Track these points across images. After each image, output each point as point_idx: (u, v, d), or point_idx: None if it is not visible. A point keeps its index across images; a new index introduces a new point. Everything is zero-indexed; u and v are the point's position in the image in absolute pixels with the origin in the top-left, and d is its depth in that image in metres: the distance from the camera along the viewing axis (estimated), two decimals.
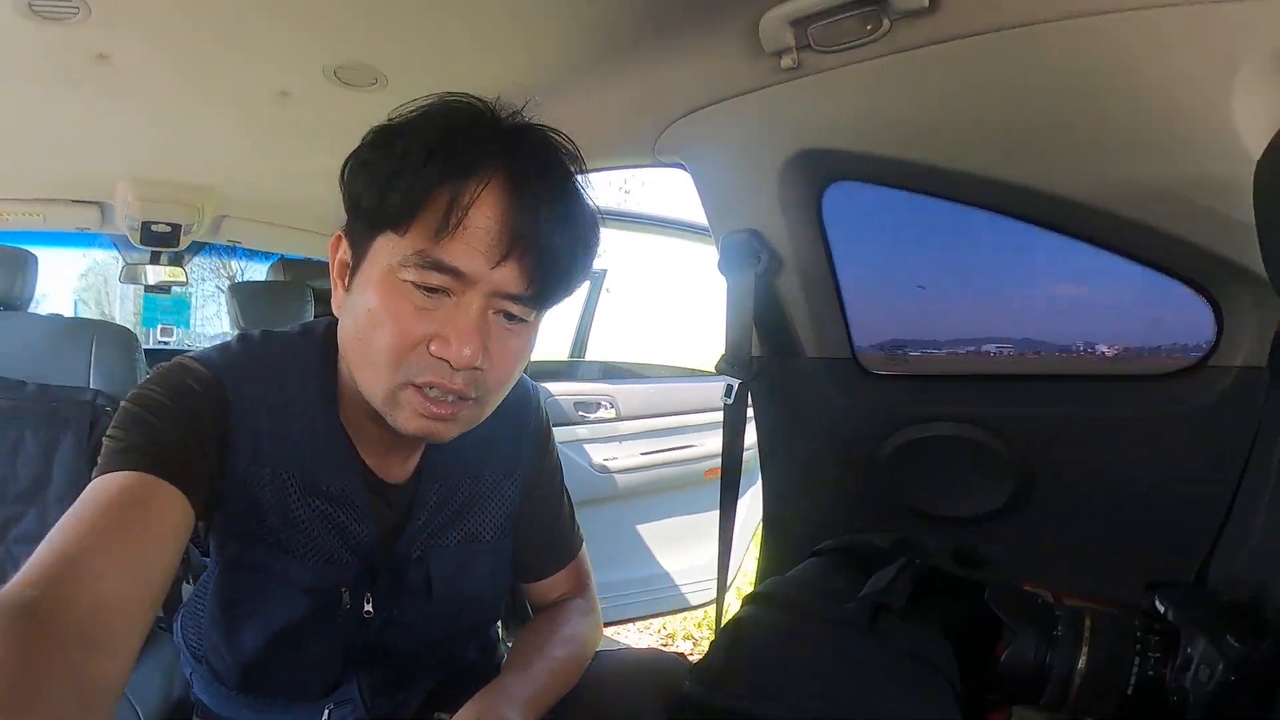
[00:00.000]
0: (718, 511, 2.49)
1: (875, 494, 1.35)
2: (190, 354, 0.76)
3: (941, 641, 0.84)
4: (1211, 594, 0.82)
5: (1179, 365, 1.11)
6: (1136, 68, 0.88)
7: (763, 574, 1.50)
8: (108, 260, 4.96)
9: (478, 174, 0.65)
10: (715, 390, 2.55)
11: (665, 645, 2.78)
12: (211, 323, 6.70)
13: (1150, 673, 0.75)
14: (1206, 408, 1.06)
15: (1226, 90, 0.84)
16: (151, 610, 0.59)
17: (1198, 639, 0.72)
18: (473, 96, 0.70)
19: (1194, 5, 0.81)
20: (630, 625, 2.73)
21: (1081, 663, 0.77)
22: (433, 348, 0.67)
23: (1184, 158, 0.94)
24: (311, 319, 2.19)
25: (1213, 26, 0.81)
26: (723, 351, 1.34)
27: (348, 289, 0.73)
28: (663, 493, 2.40)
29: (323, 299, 2.46)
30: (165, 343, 5.04)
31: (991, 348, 1.30)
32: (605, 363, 2.89)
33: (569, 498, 0.99)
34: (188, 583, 1.09)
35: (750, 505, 2.61)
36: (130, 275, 2.68)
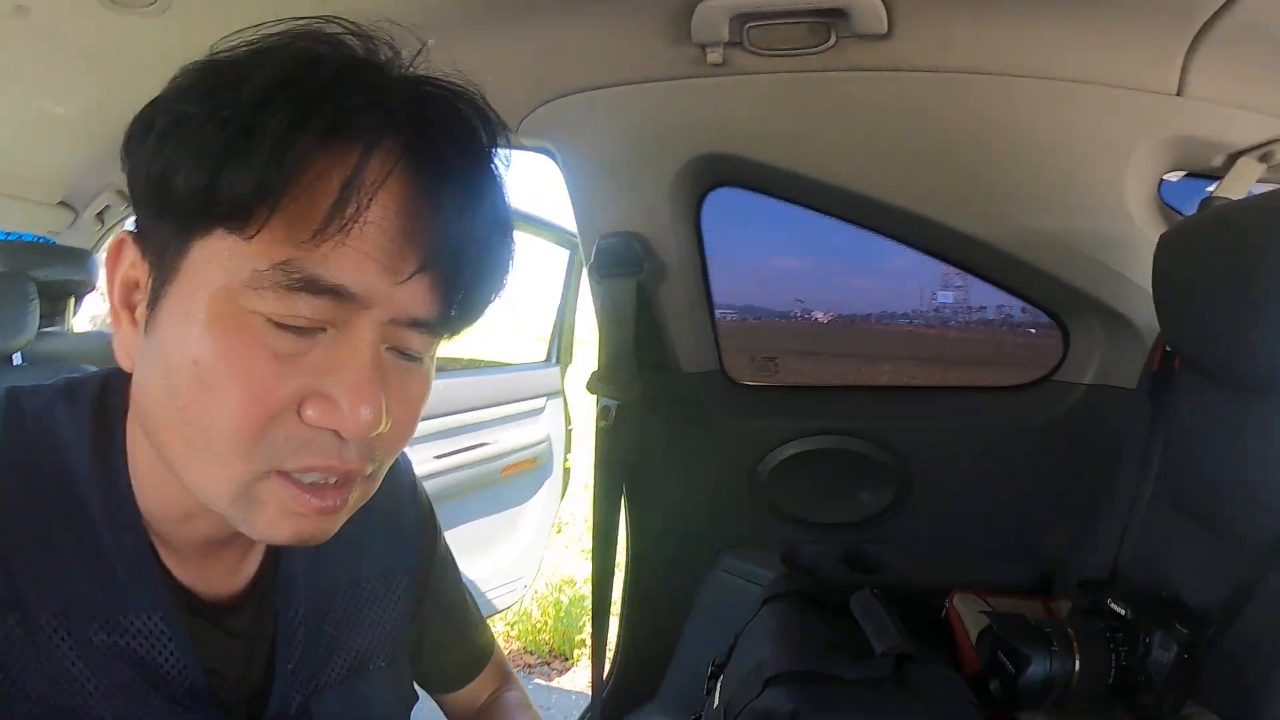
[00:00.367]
0: (519, 510, 2.31)
1: (756, 506, 1.35)
2: None
3: (952, 676, 0.89)
4: (1153, 591, 0.92)
5: (1031, 379, 1.33)
6: (1050, 128, 1.03)
7: (629, 585, 1.43)
8: None
9: (380, 147, 0.43)
10: (508, 382, 2.38)
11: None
12: None
13: (1124, 663, 0.85)
14: (1053, 417, 1.26)
15: (1123, 162, 1.02)
16: None
17: (1154, 631, 0.84)
18: (344, 24, 0.46)
19: (1109, 87, 0.97)
20: None
21: (1077, 666, 0.85)
22: (309, 414, 0.44)
23: (1071, 211, 1.11)
24: (35, 331, 1.58)
25: (1119, 108, 0.98)
26: (596, 369, 1.23)
27: (145, 327, 0.46)
28: (459, 496, 2.22)
29: (51, 296, 1.83)
30: None
31: (865, 361, 1.39)
32: None
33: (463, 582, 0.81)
34: None
35: (545, 502, 2.53)
36: None
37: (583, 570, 3.08)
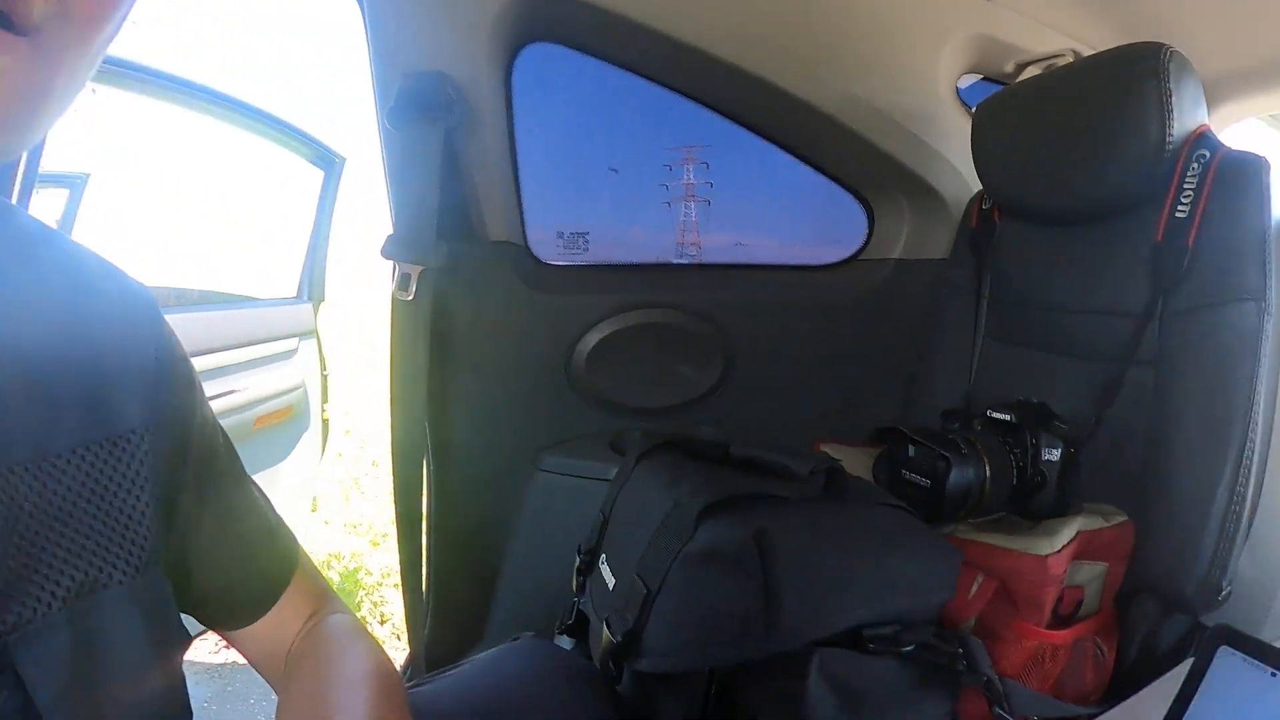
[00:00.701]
0: (275, 470, 1.97)
1: (575, 396, 1.25)
2: None
3: (877, 488, 0.86)
4: (1026, 401, 0.97)
5: (841, 257, 1.39)
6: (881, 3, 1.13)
7: (437, 505, 1.25)
8: None
9: None
10: (253, 319, 1.98)
11: None
12: None
13: (1021, 464, 0.88)
14: (868, 290, 1.35)
15: (940, 46, 1.19)
16: None
17: (1039, 433, 0.89)
18: None
19: None
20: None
21: (988, 472, 0.86)
22: None
23: (891, 84, 1.19)
24: None
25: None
26: (392, 230, 1.05)
27: None
28: None
29: None
30: None
31: (685, 237, 1.33)
32: None
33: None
34: None
35: (303, 460, 2.17)
36: None
37: (348, 545, 2.75)
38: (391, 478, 1.14)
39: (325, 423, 2.27)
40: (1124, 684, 0.85)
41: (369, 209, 1.81)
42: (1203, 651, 0.54)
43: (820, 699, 0.64)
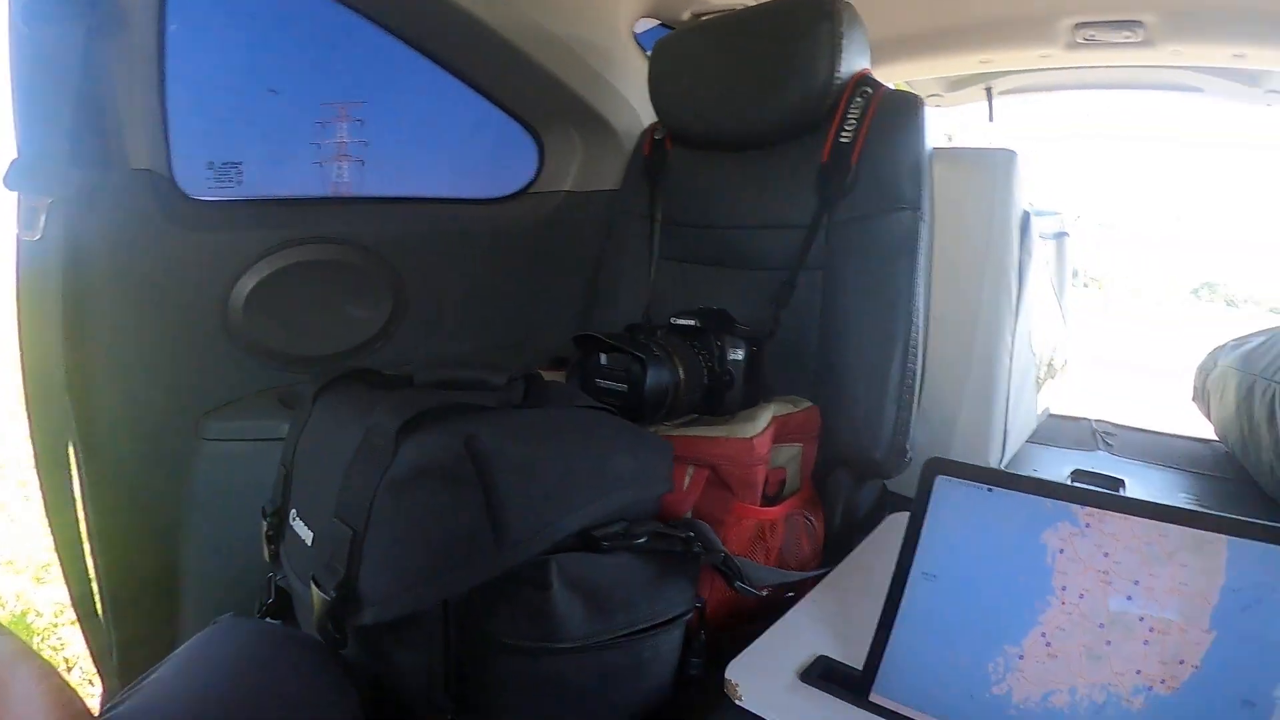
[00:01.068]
0: None
1: (235, 349, 1.14)
2: None
3: (574, 389, 0.87)
4: (708, 308, 1.02)
5: (512, 190, 1.44)
6: None
7: (91, 496, 1.06)
8: None
9: None
10: None
11: None
12: None
13: (709, 365, 0.93)
14: (530, 225, 1.42)
15: None
16: None
17: (723, 335, 0.95)
18: None
19: None
20: None
21: (681, 374, 0.89)
22: None
23: (574, 17, 1.26)
24: None
25: None
26: (17, 155, 0.88)
27: None
28: None
29: None
30: None
31: (347, 168, 1.25)
32: None
33: None
34: None
35: None
36: None
37: (7, 586, 2.25)
38: (36, 474, 0.97)
39: None
40: (835, 548, 0.95)
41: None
42: (923, 484, 0.62)
43: (567, 604, 0.62)
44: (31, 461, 0.96)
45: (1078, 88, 2.12)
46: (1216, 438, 1.55)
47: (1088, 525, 0.58)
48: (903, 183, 1.01)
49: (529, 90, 1.34)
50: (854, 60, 1.06)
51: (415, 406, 0.63)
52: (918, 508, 0.62)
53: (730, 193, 1.14)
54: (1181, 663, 0.55)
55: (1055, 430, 1.68)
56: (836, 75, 1.03)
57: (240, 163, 1.15)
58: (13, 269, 0.91)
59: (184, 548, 1.12)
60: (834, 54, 1.03)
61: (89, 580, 1.03)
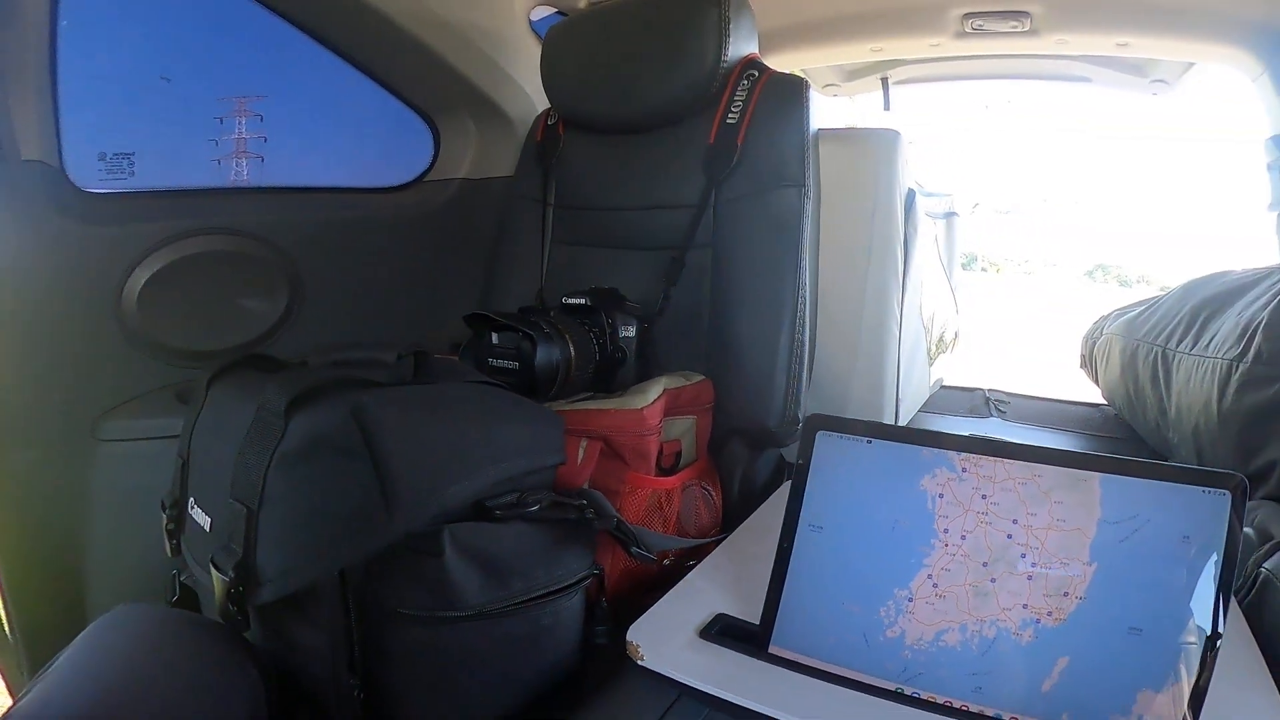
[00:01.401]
0: None
1: (130, 345, 1.14)
2: None
3: (464, 365, 0.89)
4: (599, 287, 1.06)
5: (408, 179, 1.47)
6: None
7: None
8: None
9: None
10: None
11: None
12: None
13: (601, 342, 0.98)
14: (434, 210, 1.46)
15: None
16: None
17: (614, 314, 1.01)
18: None
19: None
20: None
21: (572, 351, 0.93)
22: None
23: (470, 4, 1.29)
24: None
25: None
26: None
27: None
28: None
29: None
30: None
31: (246, 165, 1.25)
32: None
33: None
34: None
35: None
36: None
37: None
38: None
39: None
40: (735, 516, 0.99)
41: None
42: (805, 439, 0.67)
43: (462, 572, 0.64)
44: None
45: (971, 78, 2.24)
46: (1105, 401, 1.66)
47: (964, 470, 0.63)
48: (787, 161, 1.06)
49: (425, 78, 1.36)
50: (741, 45, 1.12)
51: (304, 382, 0.65)
52: (800, 462, 0.67)
53: (621, 175, 1.18)
54: (1066, 595, 0.59)
55: (950, 400, 1.78)
56: (724, 59, 1.09)
57: (132, 154, 1.14)
58: None
59: (87, 550, 1.11)
60: (721, 39, 1.08)
61: None
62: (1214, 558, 0.56)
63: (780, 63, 1.91)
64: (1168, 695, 0.56)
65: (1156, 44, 1.72)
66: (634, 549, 0.77)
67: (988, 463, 0.62)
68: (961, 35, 1.74)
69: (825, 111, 2.38)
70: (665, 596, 0.73)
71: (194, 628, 0.67)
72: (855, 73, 2.22)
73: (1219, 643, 0.55)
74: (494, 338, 0.92)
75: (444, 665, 0.67)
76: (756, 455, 1.05)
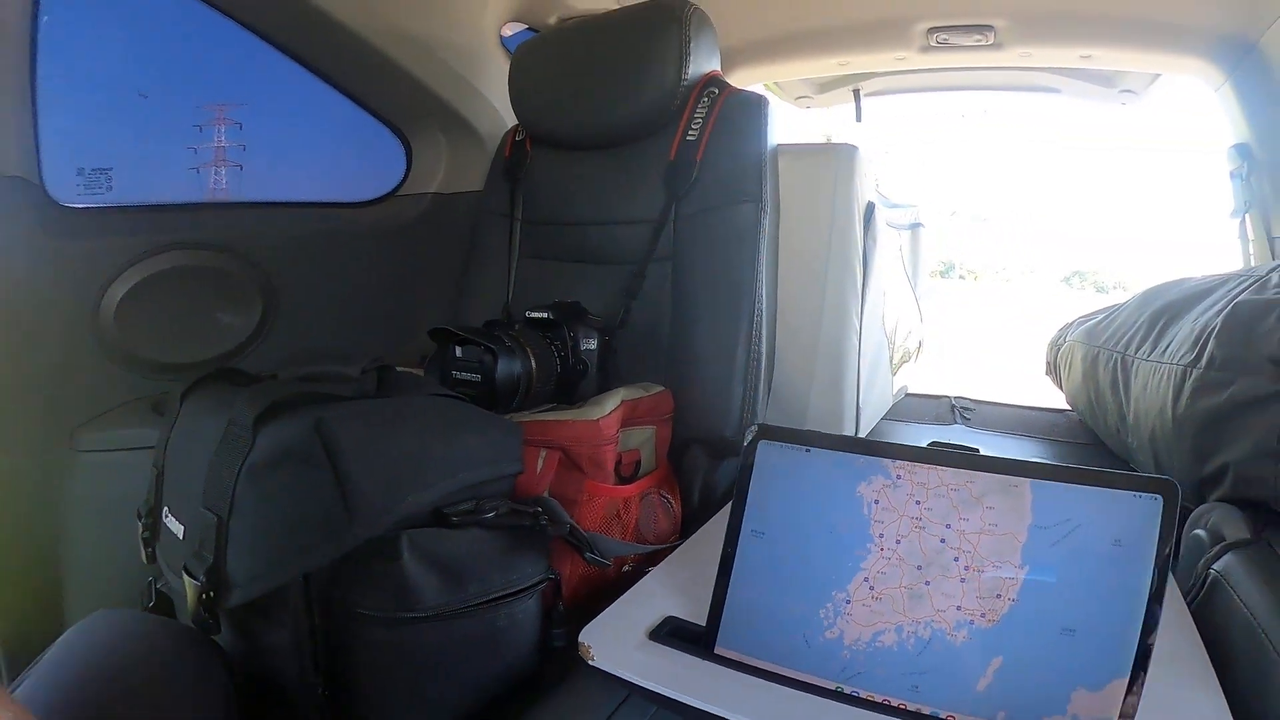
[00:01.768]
0: None
1: (107, 358, 1.18)
2: None
3: (426, 377, 0.96)
4: (562, 301, 1.11)
5: (381, 193, 1.53)
6: None
7: None
8: None
9: None
10: None
11: None
12: None
13: (563, 355, 1.03)
14: (406, 224, 1.53)
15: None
16: None
17: (576, 327, 1.06)
18: None
19: None
20: None
21: (533, 364, 0.98)
22: None
23: (439, 20, 1.37)
24: None
25: None
26: None
27: None
28: None
29: None
30: None
31: (225, 173, 1.30)
32: None
33: None
34: None
35: None
36: None
37: None
38: None
39: None
40: (694, 524, 1.03)
41: None
42: (749, 449, 0.72)
43: (419, 575, 0.69)
44: None
45: (942, 90, 2.32)
46: (1069, 406, 1.73)
47: (899, 477, 0.68)
48: (745, 177, 1.12)
49: (397, 95, 1.42)
50: (702, 63, 1.18)
51: (271, 397, 0.70)
52: (743, 471, 0.72)
53: (585, 191, 1.24)
54: (999, 597, 0.61)
55: (916, 408, 1.85)
56: (684, 78, 1.15)
57: (110, 168, 1.18)
58: None
59: (64, 558, 1.15)
60: (682, 58, 1.14)
61: None
62: (1147, 560, 0.61)
63: (749, 76, 1.98)
64: (1102, 694, 0.58)
65: (1119, 56, 1.80)
66: (588, 554, 0.82)
67: (921, 470, 0.67)
68: (927, 49, 1.82)
69: (799, 123, 2.46)
70: (618, 600, 0.78)
71: (167, 632, 0.71)
72: (827, 85, 2.30)
73: (1153, 642, 0.59)
74: (457, 351, 0.96)
75: (404, 664, 0.72)
76: (716, 464, 1.10)
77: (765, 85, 2.18)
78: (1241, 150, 1.69)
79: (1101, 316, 1.55)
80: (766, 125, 1.16)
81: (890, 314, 1.52)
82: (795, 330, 1.26)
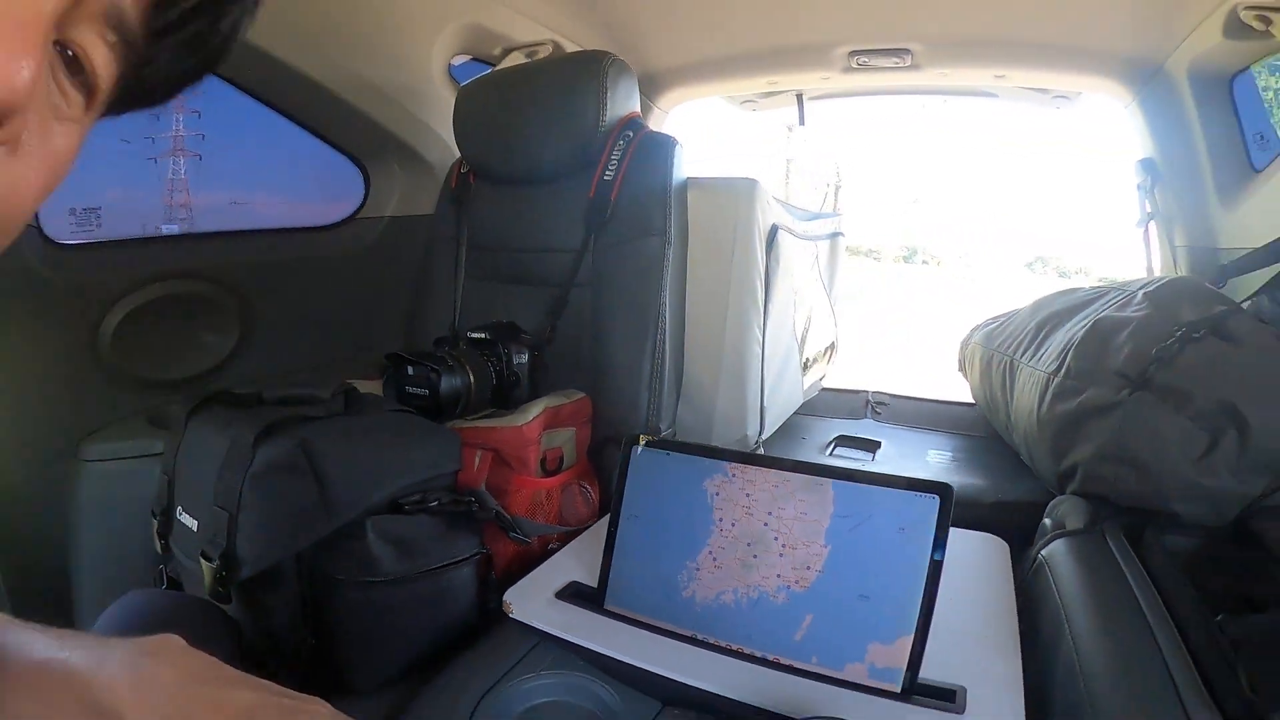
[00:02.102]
0: None
1: (106, 376, 1.38)
2: None
3: (388, 399, 1.20)
4: (498, 321, 1.36)
5: (342, 217, 1.77)
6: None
7: None
8: None
9: None
10: None
11: None
12: None
13: (498, 369, 1.28)
14: (365, 246, 1.75)
15: (437, 32, 1.62)
16: None
17: (509, 344, 1.30)
18: None
19: None
20: None
21: (471, 378, 1.23)
22: None
23: (390, 64, 1.59)
24: None
25: None
26: None
27: None
28: None
29: None
30: None
31: (174, 198, 1.52)
32: None
33: None
34: None
35: None
36: None
37: None
38: None
39: None
40: (609, 509, 1.30)
41: None
42: (624, 450, 0.95)
43: (380, 549, 0.96)
44: None
45: (884, 93, 2.50)
46: (975, 401, 1.95)
47: (734, 475, 0.85)
48: (653, 214, 1.37)
49: (353, 130, 1.65)
50: (620, 107, 1.42)
51: (265, 421, 0.96)
52: (621, 469, 0.95)
53: (519, 221, 1.46)
54: (809, 568, 0.78)
55: (832, 403, 2.11)
56: (601, 123, 1.39)
57: (99, 208, 1.40)
58: None
59: (74, 554, 1.36)
60: (599, 106, 1.38)
61: None
62: (925, 545, 0.75)
63: (683, 95, 2.23)
64: (893, 647, 0.74)
65: (1033, 76, 2.02)
66: (511, 533, 1.10)
67: (750, 470, 0.85)
68: (849, 70, 2.05)
69: (750, 123, 2.67)
70: (536, 569, 1.02)
71: (187, 604, 0.95)
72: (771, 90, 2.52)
73: (933, 608, 0.73)
74: (409, 370, 1.18)
75: (371, 617, 0.94)
76: None
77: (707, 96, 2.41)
78: (1147, 165, 1.90)
79: (999, 322, 1.75)
80: (673, 165, 1.40)
81: (800, 321, 1.78)
82: (702, 342, 1.50)
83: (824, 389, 2.14)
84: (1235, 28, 1.38)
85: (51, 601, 1.35)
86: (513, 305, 1.46)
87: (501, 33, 1.72)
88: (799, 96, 2.50)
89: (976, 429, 1.96)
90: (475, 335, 1.29)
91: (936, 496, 0.76)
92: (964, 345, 1.96)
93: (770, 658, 0.80)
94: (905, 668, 0.74)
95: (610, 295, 1.37)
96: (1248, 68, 1.55)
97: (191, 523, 0.98)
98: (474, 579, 1.06)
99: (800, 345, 1.79)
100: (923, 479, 0.77)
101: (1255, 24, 1.33)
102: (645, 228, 1.35)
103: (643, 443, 0.95)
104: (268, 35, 1.37)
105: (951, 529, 0.76)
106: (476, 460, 1.19)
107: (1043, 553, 1.00)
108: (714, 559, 0.85)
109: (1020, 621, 0.87)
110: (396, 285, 1.66)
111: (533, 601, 0.92)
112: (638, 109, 1.50)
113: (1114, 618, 0.79)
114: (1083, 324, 1.27)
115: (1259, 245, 1.33)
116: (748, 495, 0.85)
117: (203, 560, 0.92)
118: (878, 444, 1.88)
